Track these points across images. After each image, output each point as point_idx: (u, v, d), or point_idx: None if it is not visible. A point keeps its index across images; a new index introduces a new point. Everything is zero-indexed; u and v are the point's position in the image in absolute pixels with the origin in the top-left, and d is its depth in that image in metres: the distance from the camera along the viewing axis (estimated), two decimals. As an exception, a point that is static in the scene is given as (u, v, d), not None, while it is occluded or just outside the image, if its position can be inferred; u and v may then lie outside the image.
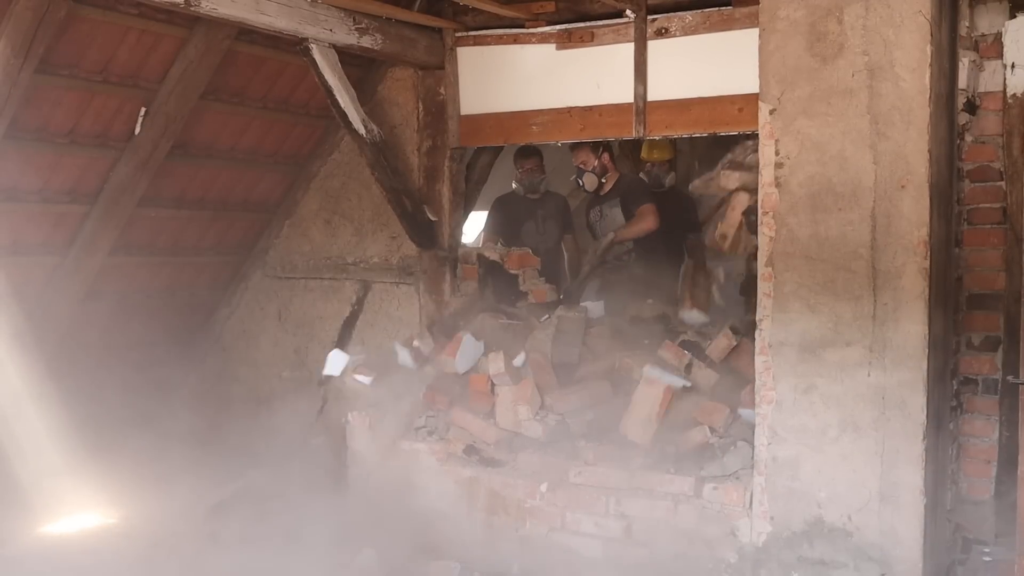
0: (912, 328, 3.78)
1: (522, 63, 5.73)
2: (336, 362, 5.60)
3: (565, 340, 5.18)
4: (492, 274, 6.10)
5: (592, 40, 5.48)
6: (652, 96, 5.34)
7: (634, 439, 4.54)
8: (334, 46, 5.25)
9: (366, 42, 5.35)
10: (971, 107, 4.13)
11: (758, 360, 4.09)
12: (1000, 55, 4.07)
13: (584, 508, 4.51)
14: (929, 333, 3.77)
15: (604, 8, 5.33)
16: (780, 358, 4.02)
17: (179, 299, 6.82)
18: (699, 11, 5.16)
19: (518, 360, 4.87)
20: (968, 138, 4.15)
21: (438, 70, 5.93)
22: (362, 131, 5.63)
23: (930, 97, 3.75)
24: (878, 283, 3.84)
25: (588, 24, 5.48)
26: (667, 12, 5.25)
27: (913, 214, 3.77)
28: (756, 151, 4.90)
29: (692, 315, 5.44)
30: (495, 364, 4.84)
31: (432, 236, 6.02)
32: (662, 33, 5.26)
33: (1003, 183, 4.08)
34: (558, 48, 5.59)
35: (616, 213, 6.27)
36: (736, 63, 4.83)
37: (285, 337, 6.92)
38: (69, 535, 5.20)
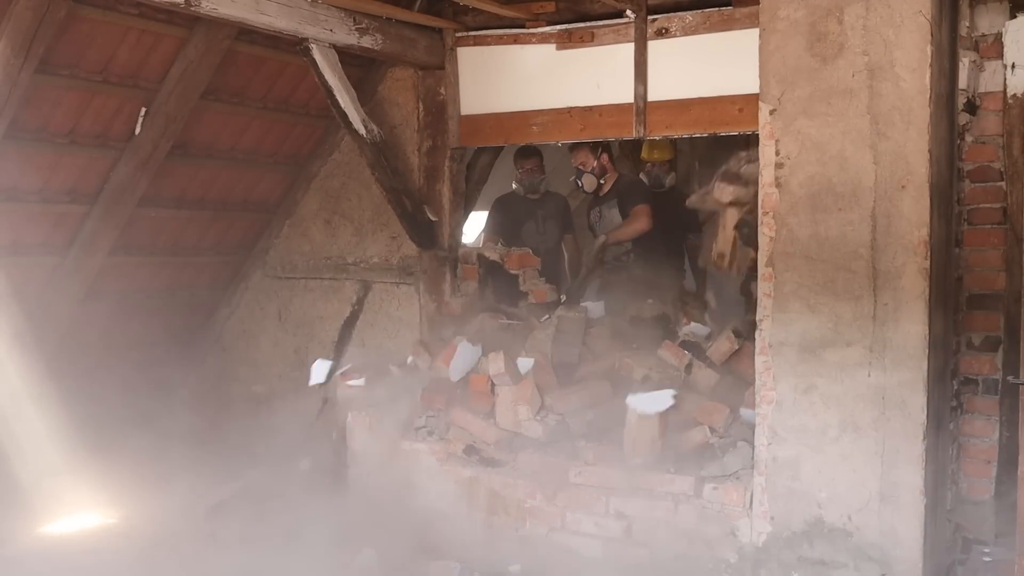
0: (912, 328, 3.78)
1: (522, 63, 5.73)
2: (320, 371, 5.61)
3: (565, 340, 5.18)
4: (492, 274, 6.10)
5: (592, 40, 5.48)
6: (652, 96, 5.34)
7: (641, 462, 4.51)
8: (334, 46, 5.25)
9: (366, 42, 5.35)
10: (971, 107, 4.13)
11: (758, 360, 4.09)
12: (1000, 55, 4.07)
13: (584, 508, 4.51)
14: (929, 333, 3.77)
15: (604, 8, 5.33)
16: (780, 358, 4.02)
17: (179, 299, 6.83)
18: (699, 11, 5.16)
19: (523, 366, 4.86)
20: (968, 138, 4.15)
21: (438, 70, 5.93)
22: (362, 131, 5.63)
23: (930, 97, 3.75)
24: (878, 283, 3.84)
25: (588, 24, 5.48)
26: (667, 12, 5.25)
27: (913, 214, 3.77)
28: (750, 162, 4.94)
29: (692, 328, 5.41)
30: (495, 364, 4.83)
31: (432, 236, 6.02)
32: (662, 33, 5.26)
33: (1003, 183, 4.08)
34: (558, 48, 5.59)
35: (614, 214, 6.28)
36: (736, 63, 4.83)
37: (285, 337, 6.92)
38: (69, 535, 5.20)
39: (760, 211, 4.08)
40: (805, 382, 3.98)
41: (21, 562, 4.75)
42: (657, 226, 6.25)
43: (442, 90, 5.95)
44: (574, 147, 6.14)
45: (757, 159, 4.86)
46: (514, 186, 6.56)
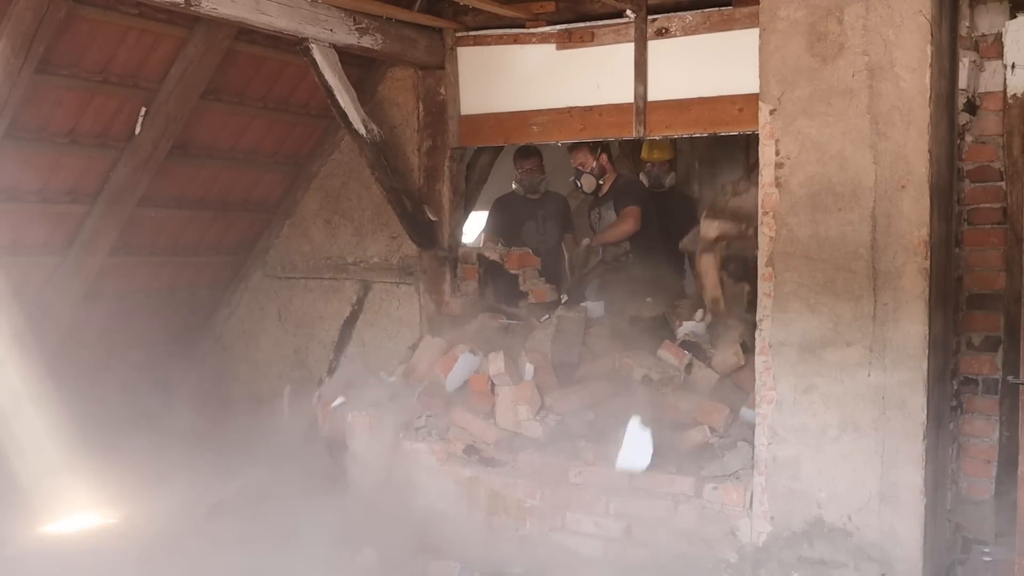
0: (912, 328, 3.78)
1: (522, 63, 5.73)
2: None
3: (565, 340, 5.18)
4: (492, 274, 6.10)
5: (592, 40, 5.48)
6: (652, 96, 5.34)
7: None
8: (334, 46, 5.25)
9: (366, 42, 5.35)
10: (971, 107, 4.13)
11: (758, 360, 4.09)
12: (1000, 55, 4.07)
13: (584, 508, 4.51)
14: (929, 333, 3.77)
15: (604, 8, 5.33)
16: (780, 358, 4.02)
17: (179, 299, 6.83)
18: (699, 11, 5.16)
19: (527, 373, 4.85)
20: (968, 138, 4.15)
21: (438, 70, 5.93)
22: (362, 131, 5.63)
23: (930, 97, 3.75)
24: (878, 283, 3.84)
25: (588, 24, 5.48)
26: (667, 12, 5.25)
27: (913, 214, 3.77)
28: (736, 194, 4.97)
29: (692, 327, 5.41)
30: (495, 364, 4.83)
31: (432, 236, 6.02)
32: (662, 33, 5.26)
33: (1003, 183, 4.08)
34: (558, 48, 5.59)
35: (612, 215, 6.28)
36: (736, 63, 4.83)
37: (285, 337, 6.92)
38: (69, 535, 5.20)
39: (760, 211, 4.08)
40: (805, 382, 3.98)
41: (21, 562, 4.75)
42: (657, 226, 6.26)
43: (442, 90, 5.95)
44: (573, 147, 6.14)
45: (745, 191, 4.93)
46: (514, 186, 6.56)
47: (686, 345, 4.95)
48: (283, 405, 5.98)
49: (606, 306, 5.88)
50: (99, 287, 6.07)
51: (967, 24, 4.12)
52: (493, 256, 5.97)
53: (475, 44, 5.86)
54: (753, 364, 4.21)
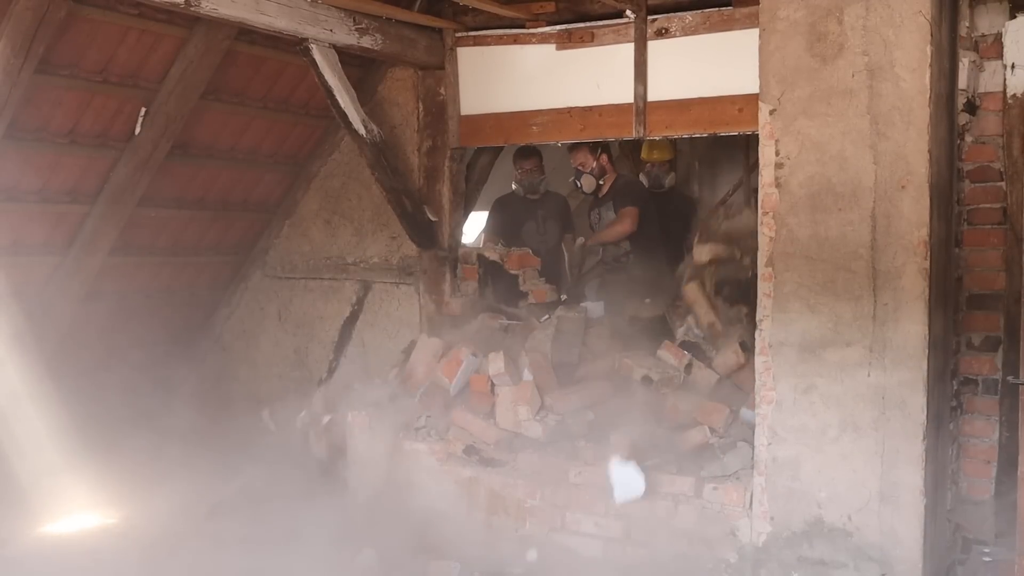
0: (912, 328, 3.78)
1: (522, 63, 5.73)
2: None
3: (565, 340, 5.18)
4: (492, 274, 6.10)
5: (592, 40, 5.48)
6: (652, 96, 5.34)
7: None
8: (334, 46, 5.25)
9: (366, 42, 5.35)
10: (971, 107, 4.13)
11: (758, 360, 4.09)
12: (1000, 55, 4.07)
13: (584, 508, 4.51)
14: (929, 333, 3.78)
15: (604, 8, 5.33)
16: (780, 358, 4.02)
17: (179, 299, 6.83)
18: (699, 11, 5.16)
19: (526, 375, 4.86)
20: (968, 138, 4.15)
21: (438, 70, 5.93)
22: (362, 131, 5.63)
23: (930, 97, 3.75)
24: (878, 283, 3.84)
25: (588, 24, 5.48)
26: (667, 12, 5.25)
27: (913, 214, 3.77)
28: (728, 218, 4.98)
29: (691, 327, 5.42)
30: (495, 364, 4.84)
31: (432, 236, 6.02)
32: (662, 33, 5.26)
33: (1003, 183, 4.08)
34: (558, 48, 5.59)
35: (612, 215, 6.27)
36: (736, 63, 4.83)
37: (285, 337, 6.92)
38: (69, 535, 5.20)
39: (760, 211, 4.08)
40: (805, 382, 3.98)
41: (21, 562, 4.75)
42: (657, 226, 6.26)
43: (442, 90, 5.95)
44: (573, 147, 6.14)
45: (737, 214, 4.96)
46: (514, 186, 6.56)
47: (686, 345, 4.96)
48: (268, 422, 5.94)
49: (606, 306, 5.88)
50: (99, 287, 6.07)
51: (967, 24, 4.12)
52: (493, 256, 5.97)
53: (475, 44, 5.86)
54: (753, 364, 4.22)
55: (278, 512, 5.09)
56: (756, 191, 4.58)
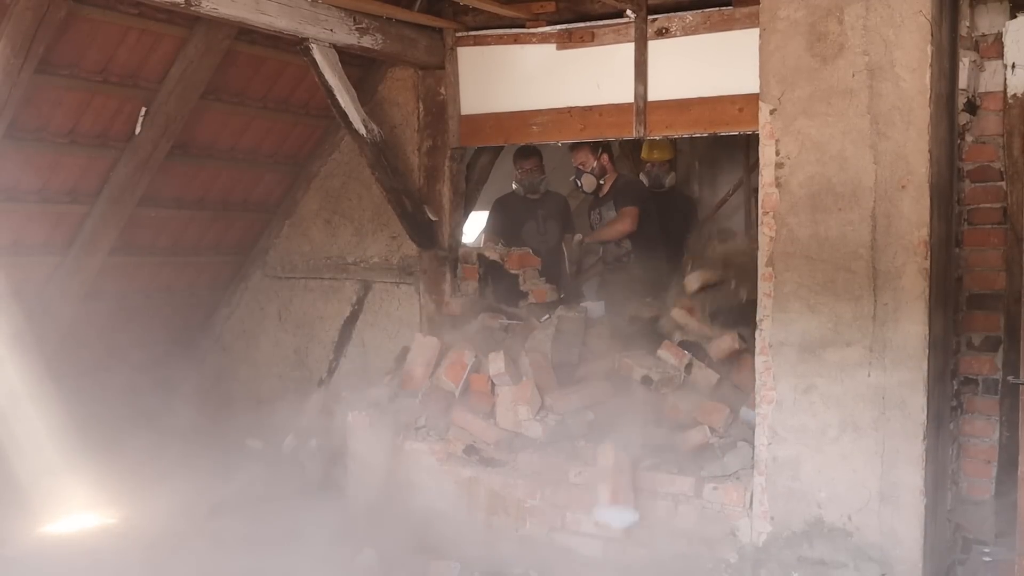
0: (912, 328, 3.78)
1: (522, 63, 5.73)
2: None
3: (565, 340, 5.18)
4: (492, 274, 6.10)
5: (592, 40, 5.48)
6: (652, 96, 5.34)
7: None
8: (334, 46, 5.25)
9: (366, 42, 5.35)
10: (971, 107, 4.13)
11: (758, 360, 4.09)
12: (1000, 55, 4.07)
13: (584, 508, 4.51)
14: (929, 333, 3.77)
15: (604, 8, 5.33)
16: (780, 358, 4.02)
17: (179, 299, 6.82)
18: (699, 11, 5.16)
19: (526, 375, 4.85)
20: (968, 138, 4.15)
21: (438, 70, 5.93)
22: (362, 131, 5.63)
23: (930, 97, 3.75)
24: (878, 283, 3.84)
25: (588, 24, 5.47)
26: (667, 12, 5.24)
27: (913, 214, 3.77)
28: (723, 242, 4.99)
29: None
30: (495, 364, 4.84)
31: (432, 236, 6.02)
32: (662, 33, 5.26)
33: (1003, 183, 4.08)
34: (558, 48, 5.59)
35: (612, 215, 6.27)
36: (736, 63, 4.83)
37: (285, 337, 6.92)
38: (69, 535, 5.20)
39: (760, 211, 4.08)
40: (805, 382, 3.98)
41: (21, 562, 4.75)
42: (657, 226, 6.26)
43: (442, 90, 5.95)
44: (574, 147, 6.14)
45: (729, 238, 4.98)
46: (514, 186, 6.56)
47: (686, 345, 4.95)
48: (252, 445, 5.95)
49: (606, 306, 5.88)
50: (99, 287, 6.07)
51: (967, 24, 4.12)
52: (493, 256, 5.97)
53: (475, 44, 5.85)
54: (752, 362, 4.22)
55: (278, 512, 5.10)
56: (756, 191, 4.59)
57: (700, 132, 5.32)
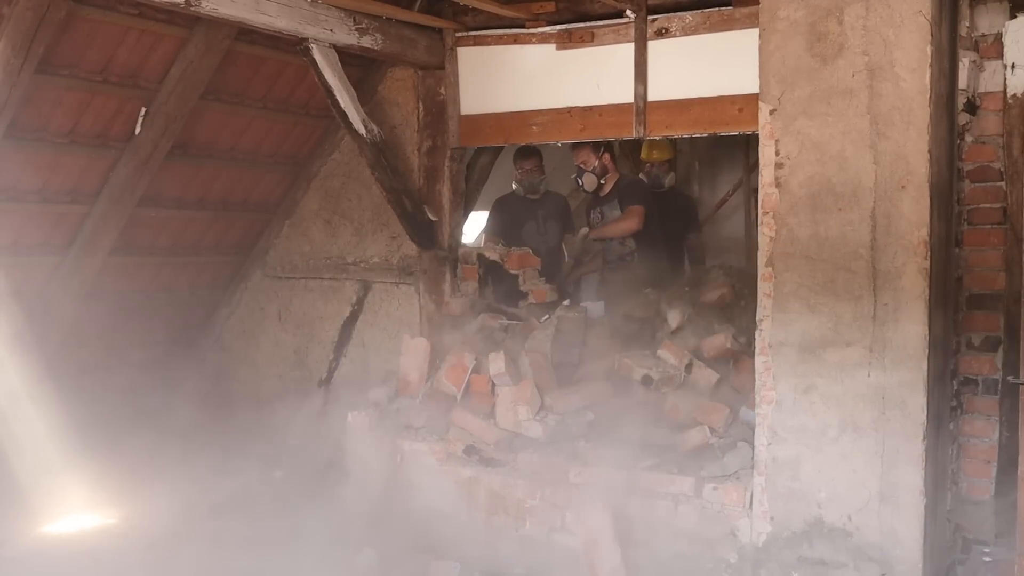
0: (912, 328, 3.78)
1: (522, 63, 5.73)
2: None
3: (565, 340, 5.18)
4: (492, 274, 6.10)
5: (592, 40, 5.48)
6: (652, 96, 5.33)
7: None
8: (334, 46, 5.25)
9: (366, 42, 5.35)
10: (971, 107, 4.13)
11: (758, 360, 4.09)
12: (1000, 55, 4.07)
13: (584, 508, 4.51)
14: (929, 333, 3.78)
15: (604, 8, 5.33)
16: (780, 358, 4.02)
17: (179, 299, 6.82)
18: (699, 11, 5.16)
19: (526, 375, 4.86)
20: (968, 138, 4.15)
21: (438, 70, 5.93)
22: (362, 131, 5.63)
23: (930, 97, 3.75)
24: (878, 283, 3.84)
25: (588, 24, 5.47)
26: (667, 12, 5.24)
27: (913, 214, 3.77)
28: (716, 276, 5.02)
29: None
30: (495, 364, 4.84)
31: (432, 236, 6.02)
32: (662, 33, 5.26)
33: (1003, 183, 4.08)
34: (558, 48, 5.59)
35: (615, 215, 6.27)
36: (736, 63, 4.83)
37: (285, 337, 6.92)
38: (69, 535, 5.20)
39: (760, 211, 4.08)
40: (805, 382, 3.98)
41: (21, 562, 4.75)
42: (657, 226, 6.26)
43: (442, 90, 5.94)
44: (576, 146, 6.14)
45: (718, 278, 5.02)
46: (514, 186, 6.56)
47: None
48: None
49: (606, 305, 5.88)
50: (99, 287, 6.07)
51: (967, 24, 4.12)
52: (493, 256, 5.97)
53: (475, 44, 5.85)
54: (748, 364, 4.22)
55: (278, 511, 5.10)
56: (756, 191, 4.59)
57: (700, 132, 5.32)
